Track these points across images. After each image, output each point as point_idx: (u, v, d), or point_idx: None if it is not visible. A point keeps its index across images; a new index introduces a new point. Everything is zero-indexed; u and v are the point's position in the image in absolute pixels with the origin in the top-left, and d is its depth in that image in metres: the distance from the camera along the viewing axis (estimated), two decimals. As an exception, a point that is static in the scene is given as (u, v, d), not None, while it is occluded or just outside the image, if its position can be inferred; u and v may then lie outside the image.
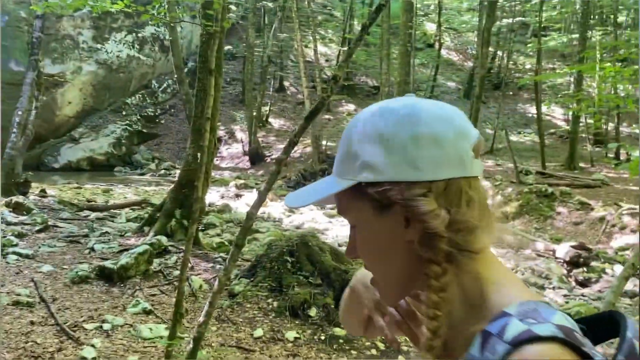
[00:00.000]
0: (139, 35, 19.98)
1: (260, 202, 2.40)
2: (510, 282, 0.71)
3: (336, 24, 24.85)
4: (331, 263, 4.99)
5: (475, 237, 0.70)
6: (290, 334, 4.36)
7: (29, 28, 13.64)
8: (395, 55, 16.98)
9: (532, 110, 19.69)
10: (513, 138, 17.25)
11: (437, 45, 23.33)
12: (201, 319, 2.45)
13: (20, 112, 9.11)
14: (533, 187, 10.87)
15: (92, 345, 3.97)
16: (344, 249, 7.56)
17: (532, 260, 8.08)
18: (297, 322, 4.55)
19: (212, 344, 4.19)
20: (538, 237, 9.13)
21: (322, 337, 4.39)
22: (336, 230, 10.37)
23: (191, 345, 2.53)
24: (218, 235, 8.80)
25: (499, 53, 23.05)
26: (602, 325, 0.70)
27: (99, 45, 18.66)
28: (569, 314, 0.68)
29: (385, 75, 15.83)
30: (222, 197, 13.01)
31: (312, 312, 4.55)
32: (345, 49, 21.82)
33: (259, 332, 4.36)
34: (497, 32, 20.92)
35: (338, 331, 4.44)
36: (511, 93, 22.60)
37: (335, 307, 4.68)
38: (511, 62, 23.29)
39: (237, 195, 13.39)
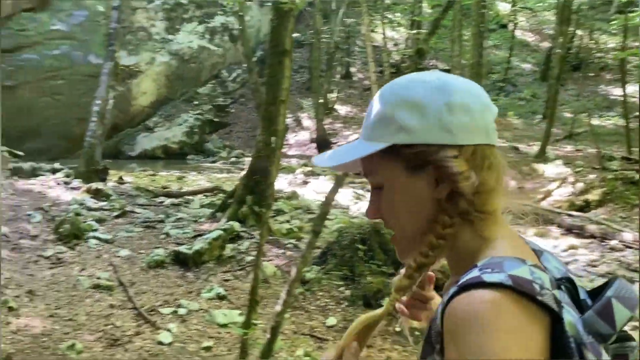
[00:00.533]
0: (209, 25, 20.34)
1: (337, 187, 2.28)
2: (506, 242, 0.75)
3: (405, 7, 24.25)
4: (405, 252, 4.82)
5: (491, 200, 0.76)
6: (364, 324, 4.25)
7: (107, 21, 14.18)
8: (467, 37, 16.34)
9: (615, 92, 18.44)
10: (594, 122, 16.22)
11: (511, 26, 22.29)
12: (278, 307, 2.38)
13: (98, 102, 9.46)
14: (618, 173, 10.16)
15: (168, 330, 4.02)
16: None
17: (619, 251, 7.54)
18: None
19: (286, 332, 4.14)
20: (624, 227, 8.52)
21: (398, 329, 4.24)
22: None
23: (269, 335, 2.47)
24: (287, 221, 8.81)
25: (579, 32, 21.71)
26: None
27: (171, 37, 19.16)
28: (567, 279, 0.75)
29: (456, 58, 15.28)
30: (290, 184, 13.05)
31: (386, 302, 4.41)
32: (414, 31, 21.27)
33: (331, 321, 4.28)
34: (577, 10, 19.70)
35: (414, 323, 4.28)
36: (592, 74, 21.26)
37: (410, 297, 4.52)
38: (592, 42, 21.88)
39: (305, 182, 13.40)
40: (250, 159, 14.83)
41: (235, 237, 6.19)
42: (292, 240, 6.79)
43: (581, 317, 0.69)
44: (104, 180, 9.26)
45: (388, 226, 0.83)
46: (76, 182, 8.43)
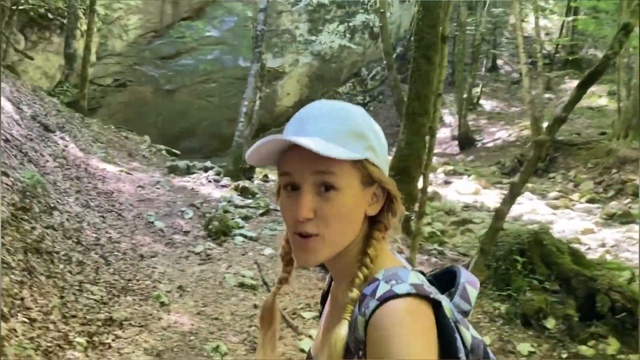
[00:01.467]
0: (350, 24, 20.43)
1: (513, 197, 1.91)
2: (386, 253, 0.93)
3: (559, -8, 22.27)
4: (571, 266, 4.20)
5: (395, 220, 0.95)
6: (524, 347, 3.75)
7: (254, 25, 14.80)
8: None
9: None
10: None
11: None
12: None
13: (246, 103, 9.81)
14: None
15: (310, 337, 3.89)
16: (576, 246, 6.52)
17: None
18: (530, 333, 3.91)
19: (433, 349, 3.80)
20: None
21: (564, 355, 3.69)
22: (562, 224, 9.18)
23: None
24: (429, 224, 8.40)
25: None
26: (448, 276, 0.98)
27: (313, 38, 19.55)
28: (421, 272, 0.93)
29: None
30: (431, 184, 12.55)
31: (550, 323, 3.86)
32: (570, 19, 19.39)
33: (486, 341, 3.84)
34: None
35: (584, 350, 3.69)
36: None
37: (579, 320, 3.91)
38: None
39: (446, 182, 12.84)
40: (388, 157, 14.48)
41: (377, 240, 5.95)
42: (436, 245, 6.40)
43: (452, 301, 0.91)
44: (250, 178, 9.59)
45: (319, 228, 0.87)
46: (225, 180, 8.79)
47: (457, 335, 0.85)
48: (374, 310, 0.81)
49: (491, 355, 0.93)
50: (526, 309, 3.96)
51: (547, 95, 18.12)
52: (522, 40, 14.43)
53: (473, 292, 0.93)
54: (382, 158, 0.91)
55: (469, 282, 0.94)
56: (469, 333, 0.88)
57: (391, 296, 0.81)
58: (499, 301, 4.21)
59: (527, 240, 4.33)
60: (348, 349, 0.85)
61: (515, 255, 4.29)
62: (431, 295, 0.83)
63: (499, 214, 1.87)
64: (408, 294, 0.81)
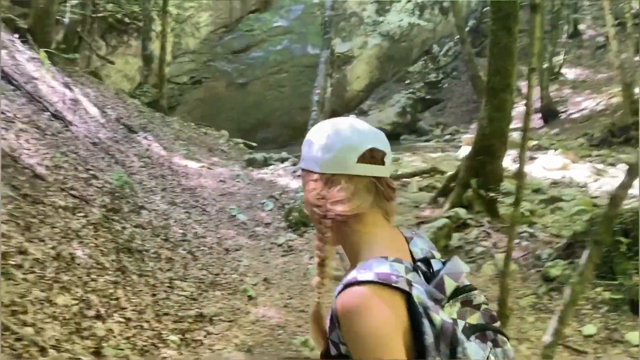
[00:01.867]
0: (419, 1, 19.85)
1: (631, 180, 1.70)
2: (382, 243, 1.07)
3: (647, -56, 20.42)
4: (685, 246, 3.81)
5: (343, 206, 1.06)
6: (633, 336, 3.45)
7: (321, 11, 14.68)
8: None
9: None
10: None
11: None
12: (548, 337, 1.91)
13: (318, 91, 9.76)
14: None
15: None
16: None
17: None
18: (640, 320, 3.60)
19: (531, 339, 3.59)
20: None
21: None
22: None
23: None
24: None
25: None
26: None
27: (381, 18, 19.17)
28: (424, 259, 1.12)
29: None
30: (514, 161, 11.97)
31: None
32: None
33: (590, 330, 3.58)
34: None
35: None
36: None
37: (698, 305, 3.54)
38: None
39: (531, 158, 12.19)
40: (466, 135, 13.94)
41: (461, 225, 5.73)
42: (525, 227, 6.06)
43: (425, 290, 1.02)
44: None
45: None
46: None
47: (424, 320, 0.96)
48: (338, 293, 0.97)
49: (461, 336, 1.00)
50: (634, 295, 3.64)
51: (637, 58, 16.75)
52: (607, 1, 13.38)
53: (450, 284, 1.03)
54: (309, 160, 1.10)
55: (450, 274, 1.03)
56: (439, 317, 0.98)
57: (353, 282, 0.95)
58: (601, 286, 3.91)
59: (630, 219, 3.98)
60: (332, 320, 1.00)
61: (618, 237, 3.95)
62: (395, 284, 0.95)
63: (615, 200, 1.67)
64: (369, 282, 0.95)
